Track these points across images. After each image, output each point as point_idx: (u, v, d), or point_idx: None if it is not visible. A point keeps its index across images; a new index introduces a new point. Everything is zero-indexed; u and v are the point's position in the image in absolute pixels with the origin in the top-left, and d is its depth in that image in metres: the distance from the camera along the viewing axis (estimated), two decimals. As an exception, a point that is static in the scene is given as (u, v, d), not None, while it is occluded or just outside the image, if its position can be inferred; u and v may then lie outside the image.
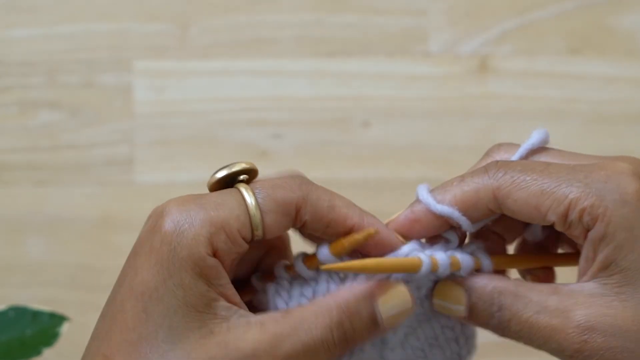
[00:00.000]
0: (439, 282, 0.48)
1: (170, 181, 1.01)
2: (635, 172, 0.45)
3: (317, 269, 0.48)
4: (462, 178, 0.48)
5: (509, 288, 0.47)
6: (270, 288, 0.49)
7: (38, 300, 0.81)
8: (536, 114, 1.03)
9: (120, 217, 1.01)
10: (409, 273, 0.47)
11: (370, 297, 0.47)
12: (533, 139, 0.49)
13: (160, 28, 1.03)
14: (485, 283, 0.47)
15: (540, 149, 0.50)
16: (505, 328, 0.47)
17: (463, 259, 0.48)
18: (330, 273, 0.49)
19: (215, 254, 0.46)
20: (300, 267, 0.49)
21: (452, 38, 1.04)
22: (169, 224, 0.46)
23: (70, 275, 1.00)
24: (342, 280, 0.49)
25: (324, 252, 0.48)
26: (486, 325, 0.47)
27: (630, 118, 1.04)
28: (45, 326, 0.73)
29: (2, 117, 1.02)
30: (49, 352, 0.72)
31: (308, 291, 0.49)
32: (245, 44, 1.03)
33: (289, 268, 0.49)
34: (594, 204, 0.44)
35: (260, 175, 0.49)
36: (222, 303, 0.46)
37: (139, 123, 1.02)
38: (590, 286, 0.45)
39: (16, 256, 1.01)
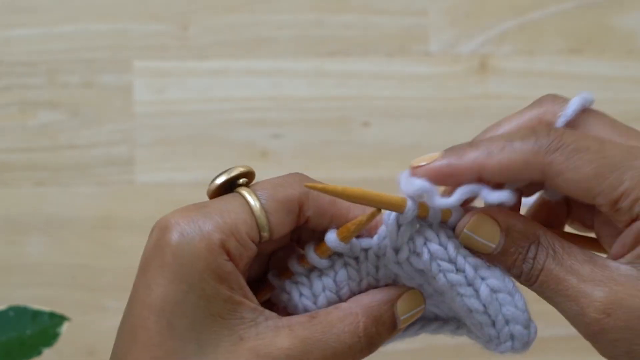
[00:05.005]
0: (474, 215, 0.47)
1: (170, 181, 1.01)
2: None
3: (330, 257, 0.48)
4: (510, 139, 0.46)
5: (547, 242, 0.47)
6: (293, 288, 0.49)
7: (38, 300, 0.81)
8: (536, 114, 1.03)
9: (120, 217, 1.01)
10: (399, 214, 0.47)
11: (390, 302, 0.48)
12: (582, 98, 0.48)
13: (160, 28, 1.03)
14: (525, 229, 0.47)
15: (591, 111, 0.48)
16: (532, 277, 0.46)
17: (456, 212, 0.47)
18: (345, 259, 0.49)
19: (230, 259, 0.46)
20: (313, 257, 0.48)
21: (452, 38, 1.04)
22: (176, 236, 0.45)
23: (70, 275, 1.00)
24: (358, 263, 0.49)
25: (332, 237, 0.48)
26: (512, 268, 0.47)
27: (630, 118, 1.04)
28: (45, 326, 0.73)
29: (2, 117, 1.02)
30: (49, 352, 0.72)
31: (329, 283, 0.49)
32: (245, 44, 1.03)
33: (302, 260, 0.49)
34: None
35: (260, 178, 0.49)
36: (247, 306, 0.46)
37: (139, 123, 1.02)
38: (626, 268, 0.45)
39: (16, 256, 1.01)
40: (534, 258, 0.46)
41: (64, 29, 1.03)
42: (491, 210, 0.47)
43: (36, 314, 0.73)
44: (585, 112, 0.48)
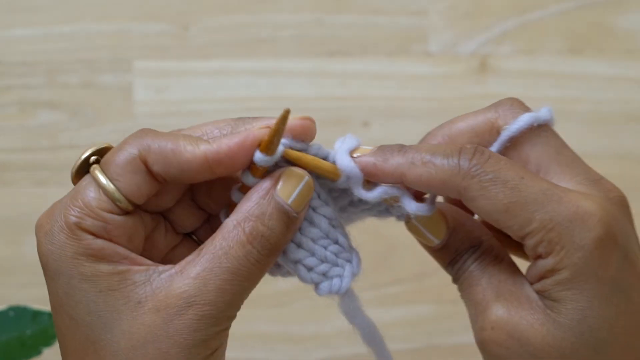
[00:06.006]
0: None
1: (170, 181, 1.01)
2: (601, 218, 0.44)
3: (265, 175, 0.48)
4: (434, 153, 0.46)
5: (485, 248, 0.48)
6: None
7: (38, 300, 0.81)
8: (536, 114, 1.03)
9: (120, 217, 1.01)
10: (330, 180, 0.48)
11: (267, 194, 0.47)
12: (532, 117, 0.48)
13: (160, 28, 1.03)
14: (470, 232, 0.48)
15: (543, 131, 0.48)
16: (457, 276, 0.48)
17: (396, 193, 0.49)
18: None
19: (97, 237, 0.46)
20: (251, 181, 0.48)
21: (452, 38, 1.04)
22: (42, 236, 0.46)
23: (70, 275, 1.00)
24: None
25: (257, 155, 0.47)
26: (446, 266, 0.48)
27: (630, 118, 1.04)
28: (45, 326, 0.73)
29: (2, 117, 1.02)
30: (49, 352, 0.72)
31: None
32: (245, 44, 1.03)
33: (243, 188, 0.48)
34: (553, 240, 0.44)
35: None
36: (134, 269, 0.46)
37: (139, 123, 1.02)
38: (534, 294, 0.46)
39: (16, 256, 1.00)
40: (466, 260, 0.48)
41: (64, 29, 1.03)
42: (444, 207, 0.48)
43: (36, 314, 0.73)
44: (538, 129, 0.48)
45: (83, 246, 0.45)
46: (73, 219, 0.45)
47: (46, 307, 0.74)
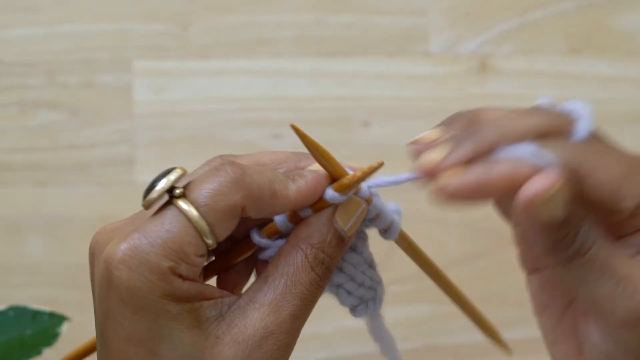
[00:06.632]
0: (560, 180, 0.44)
1: (170, 181, 1.01)
2: None
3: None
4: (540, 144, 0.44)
5: (594, 224, 0.45)
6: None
7: (38, 300, 0.81)
8: (536, 114, 1.03)
9: (120, 217, 1.00)
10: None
11: (329, 221, 0.48)
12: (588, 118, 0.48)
13: (160, 28, 1.03)
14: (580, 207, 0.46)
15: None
16: (582, 250, 0.44)
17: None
18: None
19: (185, 279, 0.45)
20: (309, 213, 0.48)
21: (452, 38, 1.04)
22: (125, 271, 0.45)
23: (70, 275, 1.00)
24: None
25: (332, 194, 0.48)
26: (565, 238, 0.45)
27: (630, 118, 1.04)
28: (45, 326, 0.73)
29: (2, 117, 1.02)
30: (49, 352, 0.72)
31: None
32: (245, 44, 1.03)
33: (293, 217, 0.48)
34: None
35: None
36: (206, 304, 0.46)
37: (139, 123, 1.02)
38: None
39: (16, 256, 1.01)
40: (588, 232, 0.45)
41: (64, 29, 1.03)
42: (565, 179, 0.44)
43: (36, 314, 0.73)
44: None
45: (173, 289, 0.45)
46: (168, 262, 0.45)
47: (46, 307, 0.74)
